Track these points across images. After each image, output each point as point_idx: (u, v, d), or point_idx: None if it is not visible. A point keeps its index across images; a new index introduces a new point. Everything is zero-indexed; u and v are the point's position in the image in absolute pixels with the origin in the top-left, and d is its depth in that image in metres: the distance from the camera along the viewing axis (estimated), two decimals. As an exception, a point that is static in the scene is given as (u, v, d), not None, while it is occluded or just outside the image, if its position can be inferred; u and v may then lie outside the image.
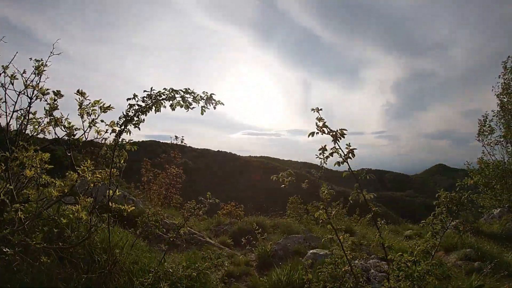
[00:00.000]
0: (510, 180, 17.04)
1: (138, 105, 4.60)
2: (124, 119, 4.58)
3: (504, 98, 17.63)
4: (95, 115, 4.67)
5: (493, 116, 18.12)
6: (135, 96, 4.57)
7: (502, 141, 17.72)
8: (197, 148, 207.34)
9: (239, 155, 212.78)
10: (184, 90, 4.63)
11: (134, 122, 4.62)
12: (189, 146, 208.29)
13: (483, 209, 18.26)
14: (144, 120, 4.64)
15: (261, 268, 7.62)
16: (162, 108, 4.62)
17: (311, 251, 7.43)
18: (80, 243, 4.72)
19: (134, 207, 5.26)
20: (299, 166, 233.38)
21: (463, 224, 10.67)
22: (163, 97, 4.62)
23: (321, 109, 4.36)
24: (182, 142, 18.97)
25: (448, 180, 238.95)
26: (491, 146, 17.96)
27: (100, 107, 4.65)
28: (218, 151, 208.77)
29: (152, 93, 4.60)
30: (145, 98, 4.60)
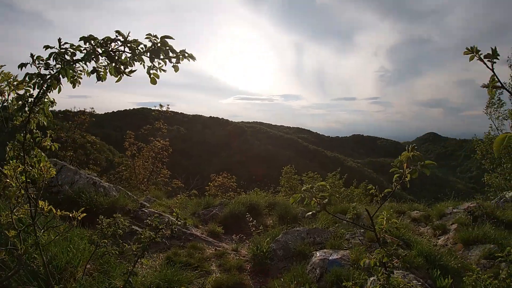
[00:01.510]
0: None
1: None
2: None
3: None
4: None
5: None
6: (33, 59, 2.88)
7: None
8: (189, 114, 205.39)
9: (231, 121, 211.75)
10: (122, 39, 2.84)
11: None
12: (181, 113, 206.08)
13: (490, 188, 17.42)
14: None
15: (257, 273, 6.37)
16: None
17: (318, 253, 6.19)
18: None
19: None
20: (292, 132, 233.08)
21: (479, 209, 9.60)
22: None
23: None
24: (167, 110, 17.46)
25: (439, 148, 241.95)
26: (500, 120, 16.89)
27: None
28: (210, 117, 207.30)
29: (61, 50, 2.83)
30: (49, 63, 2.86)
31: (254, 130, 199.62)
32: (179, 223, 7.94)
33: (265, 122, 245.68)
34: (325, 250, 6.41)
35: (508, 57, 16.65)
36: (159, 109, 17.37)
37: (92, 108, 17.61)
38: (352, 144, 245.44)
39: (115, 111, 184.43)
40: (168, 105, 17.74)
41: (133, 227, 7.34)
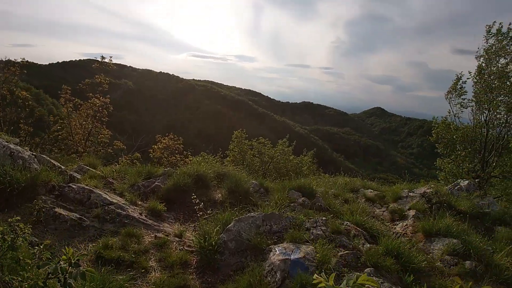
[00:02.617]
0: (472, 148, 16.60)
1: None
2: None
3: (483, 62, 16.60)
4: None
5: (468, 78, 17.17)
6: None
7: (473, 105, 16.94)
8: (139, 69, 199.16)
9: (182, 78, 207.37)
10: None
11: None
12: (130, 66, 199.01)
13: (441, 172, 17.76)
14: None
15: (205, 271, 5.35)
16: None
17: (277, 249, 5.22)
18: None
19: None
20: (243, 93, 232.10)
21: (435, 196, 9.26)
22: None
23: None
24: (110, 62, 15.71)
25: (384, 123, 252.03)
26: (460, 107, 17.08)
27: None
28: (161, 72, 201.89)
29: None
30: None
31: (205, 89, 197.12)
32: (113, 200, 6.88)
33: (216, 81, 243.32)
34: (285, 245, 5.50)
35: (478, 48, 16.57)
36: (100, 60, 15.54)
37: (23, 58, 15.31)
38: (301, 111, 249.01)
39: (60, 61, 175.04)
40: (111, 57, 15.98)
41: (56, 210, 6.15)
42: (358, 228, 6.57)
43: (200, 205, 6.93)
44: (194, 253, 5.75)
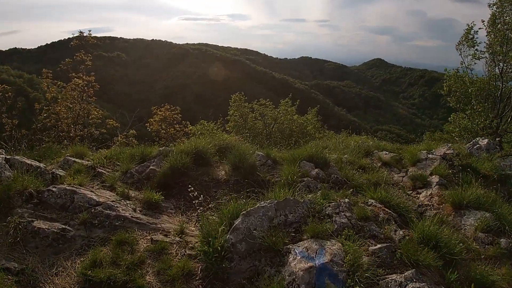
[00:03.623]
0: (489, 103, 15.70)
1: None
2: None
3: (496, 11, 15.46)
4: None
5: (481, 28, 16.04)
6: None
7: (486, 56, 15.98)
8: (129, 39, 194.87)
9: (175, 43, 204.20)
10: None
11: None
12: (121, 37, 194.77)
13: (455, 129, 16.99)
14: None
15: (212, 282, 4.47)
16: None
17: (297, 250, 4.27)
18: None
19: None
20: (240, 53, 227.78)
21: (457, 158, 8.47)
22: None
23: None
24: (89, 36, 14.49)
25: (384, 74, 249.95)
26: (472, 58, 16.07)
27: None
28: (153, 40, 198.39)
29: None
30: None
31: (199, 52, 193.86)
32: (100, 200, 6.01)
33: (211, 43, 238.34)
34: (305, 243, 4.58)
35: None
36: (78, 35, 14.28)
37: None
38: (300, 66, 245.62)
39: (48, 43, 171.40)
40: (89, 31, 14.73)
41: (34, 224, 5.29)
42: (386, 209, 5.71)
43: (200, 198, 6.05)
44: (198, 258, 4.89)
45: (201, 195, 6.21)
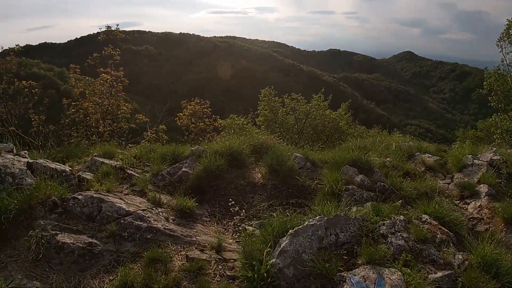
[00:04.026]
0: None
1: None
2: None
3: None
4: None
5: None
6: None
7: None
8: (158, 32, 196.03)
9: (203, 36, 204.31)
10: None
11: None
12: (149, 31, 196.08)
13: (497, 129, 15.92)
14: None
15: None
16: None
17: (354, 282, 3.61)
18: None
19: None
20: (267, 46, 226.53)
21: (504, 165, 7.76)
22: None
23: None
24: (117, 30, 14.08)
25: (414, 67, 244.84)
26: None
27: None
28: (181, 33, 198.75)
29: None
30: None
31: (227, 45, 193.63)
32: (130, 209, 5.47)
33: (238, 36, 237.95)
34: (361, 271, 3.93)
35: None
36: (106, 30, 13.87)
37: (18, 45, 13.76)
38: (328, 59, 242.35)
39: (78, 37, 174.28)
40: (117, 25, 14.33)
41: (58, 237, 4.78)
42: (442, 227, 5.07)
43: (241, 214, 5.45)
44: (239, 281, 4.28)
45: (238, 209, 5.60)
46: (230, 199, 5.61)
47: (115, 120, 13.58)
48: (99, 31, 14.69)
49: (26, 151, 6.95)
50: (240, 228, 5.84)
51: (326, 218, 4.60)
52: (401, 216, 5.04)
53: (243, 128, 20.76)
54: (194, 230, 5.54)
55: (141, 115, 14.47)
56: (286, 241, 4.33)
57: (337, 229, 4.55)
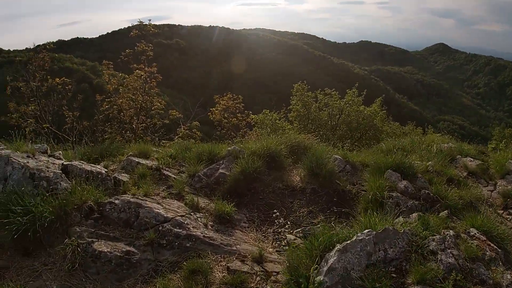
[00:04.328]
0: None
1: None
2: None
3: None
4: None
5: None
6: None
7: None
8: (187, 26, 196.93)
9: (232, 29, 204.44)
10: None
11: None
12: (179, 25, 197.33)
13: None
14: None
15: None
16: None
17: None
18: None
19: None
20: (297, 38, 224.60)
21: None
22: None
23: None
24: (149, 25, 13.92)
25: (448, 60, 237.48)
26: None
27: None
28: (210, 26, 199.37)
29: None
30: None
31: (256, 38, 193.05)
32: (168, 215, 5.26)
33: (268, 28, 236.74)
34: None
35: None
36: (139, 24, 13.68)
37: (49, 42, 13.80)
38: (359, 51, 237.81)
39: (109, 32, 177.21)
40: (149, 20, 14.12)
41: (95, 245, 4.62)
42: (490, 244, 4.66)
43: (281, 220, 5.17)
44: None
45: (276, 210, 5.32)
46: (275, 212, 5.33)
47: (149, 116, 13.54)
48: (130, 25, 14.60)
49: (60, 152, 6.84)
50: (280, 236, 5.59)
51: (375, 232, 4.26)
52: (450, 231, 4.67)
53: (275, 124, 20.47)
54: (234, 238, 5.30)
55: (174, 111, 14.37)
56: (335, 258, 4.02)
57: (386, 244, 4.21)
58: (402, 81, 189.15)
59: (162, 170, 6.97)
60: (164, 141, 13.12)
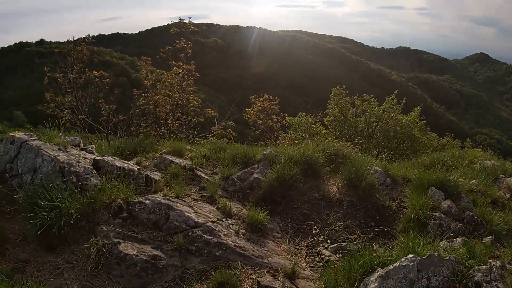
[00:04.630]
0: None
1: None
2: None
3: None
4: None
5: None
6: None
7: None
8: (226, 25, 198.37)
9: (270, 30, 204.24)
10: None
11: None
12: (217, 24, 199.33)
13: None
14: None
15: None
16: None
17: None
18: None
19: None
20: (334, 41, 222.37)
21: None
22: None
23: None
24: (189, 23, 13.88)
25: (488, 71, 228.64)
26: None
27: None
28: (248, 26, 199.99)
29: None
30: None
31: (294, 39, 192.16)
32: (199, 220, 5.01)
33: (305, 30, 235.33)
34: None
35: None
36: (179, 22, 13.65)
37: (88, 35, 13.94)
38: (397, 57, 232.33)
39: (148, 29, 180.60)
40: (190, 18, 14.09)
41: (121, 247, 4.43)
42: None
43: (315, 232, 4.85)
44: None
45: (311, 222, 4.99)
46: (316, 227, 4.99)
47: (184, 113, 13.47)
48: (170, 23, 14.67)
49: (93, 146, 6.73)
50: (314, 250, 5.27)
51: (419, 258, 3.90)
52: (497, 261, 4.27)
53: (310, 128, 20.08)
54: (265, 249, 5.00)
55: (209, 109, 14.27)
56: (376, 284, 3.68)
57: (430, 272, 3.85)
58: (440, 90, 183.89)
59: (195, 170, 6.78)
60: (198, 139, 13.03)
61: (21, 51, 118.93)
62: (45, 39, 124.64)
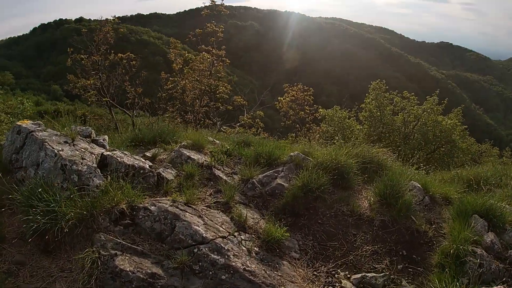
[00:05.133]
0: None
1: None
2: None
3: None
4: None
5: None
6: None
7: None
8: (264, 9, 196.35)
9: (308, 16, 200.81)
10: None
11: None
12: (255, 8, 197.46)
13: None
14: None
15: None
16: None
17: None
18: None
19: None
20: (374, 31, 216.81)
21: None
22: None
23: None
24: (221, 5, 13.25)
25: None
26: None
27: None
28: (286, 11, 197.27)
29: None
30: None
31: (332, 27, 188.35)
32: (208, 236, 4.44)
33: (345, 18, 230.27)
34: None
35: None
36: (210, 5, 12.98)
37: (114, 16, 13.43)
38: (437, 52, 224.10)
39: (186, 10, 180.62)
40: (222, 0, 13.42)
41: (117, 261, 3.95)
42: None
43: (342, 264, 4.21)
44: None
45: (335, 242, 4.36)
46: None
47: (213, 99, 12.98)
48: (203, 5, 14.08)
49: (105, 137, 6.23)
50: (334, 279, 4.63)
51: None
52: None
53: (343, 122, 19.22)
54: (279, 274, 4.40)
55: (239, 97, 13.71)
56: None
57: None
58: (481, 91, 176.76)
59: (213, 169, 6.24)
60: (224, 127, 12.56)
61: (60, 28, 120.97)
62: (84, 17, 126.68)
